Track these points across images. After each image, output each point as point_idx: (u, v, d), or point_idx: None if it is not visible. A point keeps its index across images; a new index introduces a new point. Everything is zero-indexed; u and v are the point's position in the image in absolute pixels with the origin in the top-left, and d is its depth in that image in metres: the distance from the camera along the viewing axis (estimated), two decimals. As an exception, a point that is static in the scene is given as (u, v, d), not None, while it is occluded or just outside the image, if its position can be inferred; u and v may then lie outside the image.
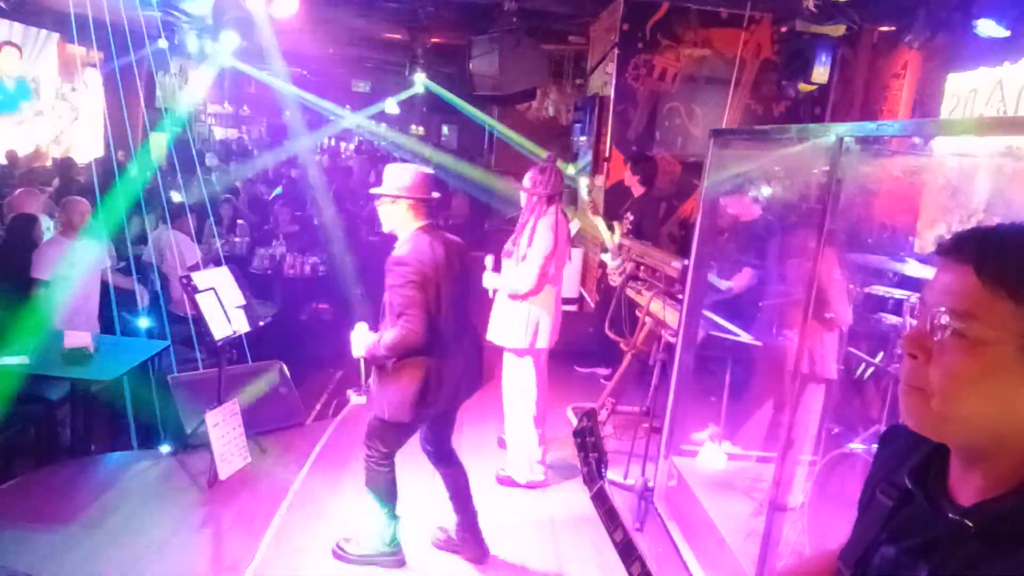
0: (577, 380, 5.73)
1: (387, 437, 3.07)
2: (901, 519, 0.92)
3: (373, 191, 3.15)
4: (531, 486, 4.02)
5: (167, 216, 6.11)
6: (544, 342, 3.92)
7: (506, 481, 4.05)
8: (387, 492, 3.17)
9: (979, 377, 0.78)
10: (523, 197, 3.93)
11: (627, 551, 1.25)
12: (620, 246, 4.98)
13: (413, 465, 4.07)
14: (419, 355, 2.91)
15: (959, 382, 0.79)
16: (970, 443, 0.83)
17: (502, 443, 4.37)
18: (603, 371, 5.77)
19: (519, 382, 3.97)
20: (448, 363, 2.99)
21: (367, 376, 3.27)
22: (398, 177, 3.05)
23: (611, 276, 4.97)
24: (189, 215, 6.19)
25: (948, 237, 0.85)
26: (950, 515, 0.82)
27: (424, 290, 2.85)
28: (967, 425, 0.80)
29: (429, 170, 3.17)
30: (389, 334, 2.86)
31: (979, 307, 0.77)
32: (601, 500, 1.36)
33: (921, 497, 0.87)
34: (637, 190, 5.69)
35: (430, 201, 3.07)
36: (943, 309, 0.80)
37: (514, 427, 4.01)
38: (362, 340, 3.02)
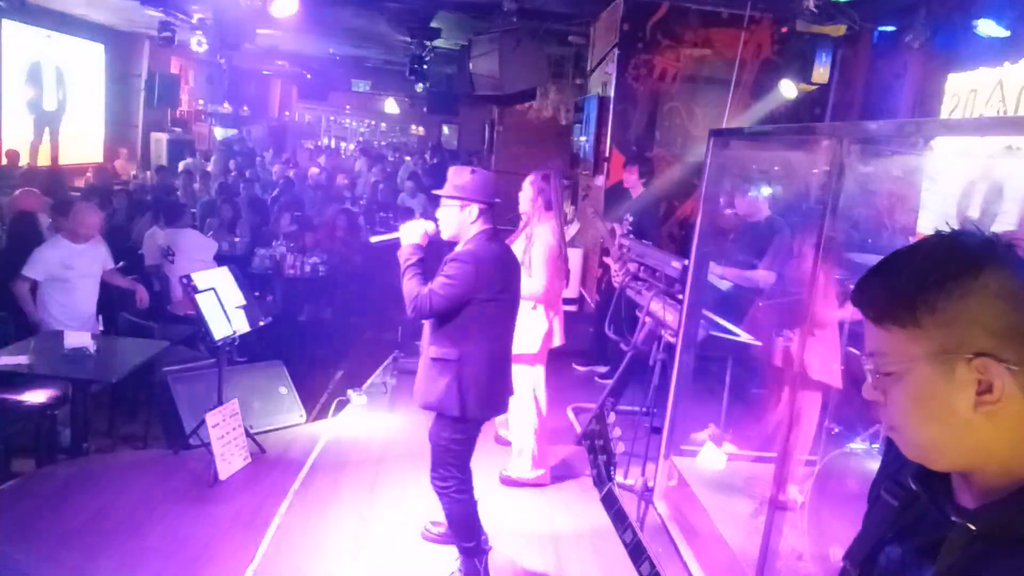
0: (577, 380, 5.73)
1: (458, 448, 2.88)
2: (907, 519, 0.94)
3: (436, 192, 2.95)
4: (536, 483, 4.04)
5: (167, 216, 6.11)
6: (556, 341, 4.06)
7: (509, 481, 4.06)
8: (473, 524, 2.99)
9: (916, 402, 0.83)
10: (524, 201, 3.96)
11: (637, 551, 1.28)
12: (620, 246, 4.97)
13: (411, 459, 4.07)
14: (476, 354, 2.81)
15: (905, 413, 0.85)
16: (954, 466, 0.86)
17: (499, 440, 4.38)
18: (601, 370, 5.77)
19: (531, 383, 3.99)
20: (497, 372, 2.92)
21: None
22: (463, 180, 2.85)
23: (615, 276, 4.94)
24: (189, 215, 6.20)
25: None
26: (953, 518, 0.84)
27: (471, 292, 2.74)
28: (939, 450, 0.85)
29: (489, 172, 3.00)
30: (422, 288, 2.73)
31: (883, 345, 0.85)
32: (610, 502, 1.38)
33: (925, 499, 0.90)
34: (636, 190, 5.70)
35: (494, 206, 2.92)
36: (867, 357, 0.88)
37: (520, 428, 4.01)
38: (413, 238, 2.84)
